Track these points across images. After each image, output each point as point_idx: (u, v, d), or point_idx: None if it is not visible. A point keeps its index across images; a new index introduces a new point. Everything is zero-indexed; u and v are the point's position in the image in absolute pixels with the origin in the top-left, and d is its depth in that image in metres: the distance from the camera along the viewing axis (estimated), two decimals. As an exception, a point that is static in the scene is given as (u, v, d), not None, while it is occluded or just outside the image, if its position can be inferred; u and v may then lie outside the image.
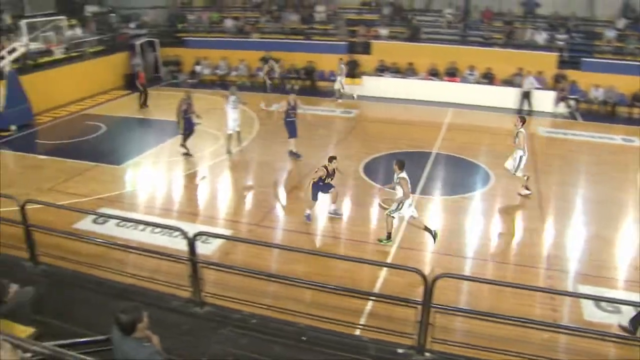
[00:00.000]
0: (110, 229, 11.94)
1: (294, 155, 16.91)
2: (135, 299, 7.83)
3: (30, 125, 20.90)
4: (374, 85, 24.70)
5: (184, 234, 7.74)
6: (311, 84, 26.26)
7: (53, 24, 21.82)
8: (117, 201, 13.78)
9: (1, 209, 11.00)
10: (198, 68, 27.98)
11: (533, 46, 24.26)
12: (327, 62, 26.08)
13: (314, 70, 26.28)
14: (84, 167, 16.51)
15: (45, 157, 17.38)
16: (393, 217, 11.28)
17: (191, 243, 7.60)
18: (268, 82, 24.60)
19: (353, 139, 18.90)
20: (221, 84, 26.72)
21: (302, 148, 17.21)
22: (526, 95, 22.47)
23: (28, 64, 23.21)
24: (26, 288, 7.01)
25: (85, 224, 12.16)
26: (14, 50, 20.80)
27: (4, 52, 20.86)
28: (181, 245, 10.28)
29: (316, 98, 24.10)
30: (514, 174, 14.03)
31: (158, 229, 11.78)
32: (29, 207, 9.00)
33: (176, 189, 15.18)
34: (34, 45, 21.04)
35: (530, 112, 22.08)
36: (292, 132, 16.86)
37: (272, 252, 10.89)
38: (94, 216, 12.09)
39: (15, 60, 21.47)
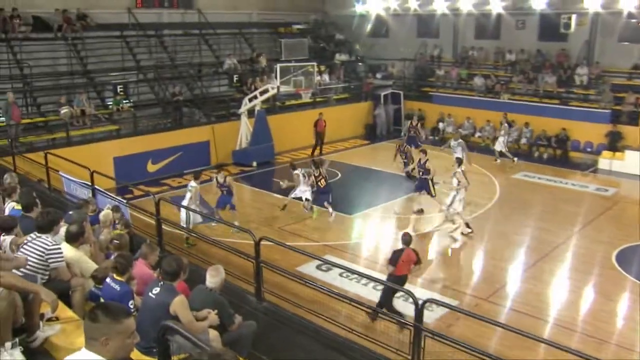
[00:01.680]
0: (333, 277, 12.43)
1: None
2: (350, 354, 7.95)
3: (270, 163, 22.87)
4: (639, 162, 22.70)
5: (413, 298, 7.75)
6: (563, 154, 25.00)
7: (304, 69, 23.41)
8: (342, 250, 14.34)
9: (237, 242, 12.09)
10: (441, 125, 28.34)
11: None
12: (584, 131, 24.71)
13: (567, 139, 24.98)
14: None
15: (279, 197, 18.74)
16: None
17: (419, 309, 7.58)
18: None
19: (607, 220, 17.50)
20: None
21: (545, 224, 16.41)
22: None
23: (276, 105, 25.68)
24: (249, 322, 7.46)
25: (309, 268, 12.82)
26: (265, 91, 22.97)
27: (257, 92, 23.18)
28: (401, 306, 10.45)
29: (567, 170, 23.05)
30: (447, 210, 15.40)
31: (380, 286, 11.88)
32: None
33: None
34: (284, 88, 22.81)
35: None
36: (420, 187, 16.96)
37: (497, 332, 10.43)
38: (318, 262, 12.64)
39: (265, 101, 23.74)
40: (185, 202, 14.36)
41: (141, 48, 25.07)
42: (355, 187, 20.37)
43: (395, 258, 10.50)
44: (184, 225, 13.92)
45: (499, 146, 23.94)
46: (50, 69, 22.31)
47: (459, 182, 15.36)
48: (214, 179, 15.74)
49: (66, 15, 23.29)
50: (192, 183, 14.68)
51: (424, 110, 29.57)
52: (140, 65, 24.43)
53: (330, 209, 16.77)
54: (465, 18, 30.06)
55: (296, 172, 16.94)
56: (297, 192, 16.89)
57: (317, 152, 24.62)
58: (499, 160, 23.79)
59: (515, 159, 23.58)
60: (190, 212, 14.02)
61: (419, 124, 23.91)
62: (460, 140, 20.32)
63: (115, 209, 10.97)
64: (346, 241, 15.00)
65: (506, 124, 24.12)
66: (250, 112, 23.30)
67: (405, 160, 20.38)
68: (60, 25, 22.98)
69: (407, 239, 10.69)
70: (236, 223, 15.23)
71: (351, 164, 23.60)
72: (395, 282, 10.27)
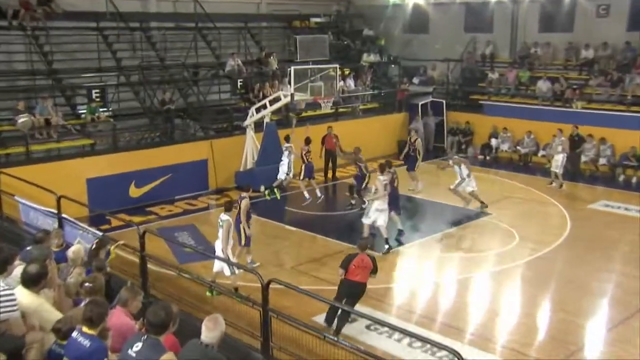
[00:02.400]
0: (359, 330, 12.33)
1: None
2: None
3: (282, 188, 22.32)
4: None
5: (459, 359, 7.63)
6: (659, 178, 24.51)
7: (324, 72, 23.06)
8: (370, 297, 13.87)
9: (240, 285, 12.18)
10: (494, 142, 28.21)
11: None
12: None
13: (665, 158, 24.45)
14: (335, 247, 17.51)
15: (293, 229, 18.88)
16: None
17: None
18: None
19: None
20: (523, 165, 26.78)
21: (636, 269, 15.98)
22: None
23: (290, 116, 25.45)
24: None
25: (329, 318, 12.66)
26: (277, 99, 22.88)
27: (266, 101, 23.13)
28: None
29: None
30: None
31: (418, 343, 11.88)
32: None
33: (445, 294, 15.37)
34: (299, 96, 22.36)
35: None
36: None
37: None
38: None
39: (275, 112, 23.71)
40: (219, 243, 14.21)
41: (122, 44, 25.18)
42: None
43: (346, 261, 12.19)
44: (229, 274, 13.88)
45: (558, 167, 23.75)
46: (5, 65, 22.37)
47: (376, 189, 17.41)
48: (241, 200, 15.39)
49: (24, -1, 23.13)
50: (223, 216, 14.32)
51: (473, 124, 29.61)
52: (122, 65, 24.39)
53: (306, 193, 20.91)
54: (527, 6, 30.11)
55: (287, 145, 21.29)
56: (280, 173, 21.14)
57: (330, 175, 25.02)
58: (564, 186, 23.70)
59: (563, 185, 23.53)
60: (230, 255, 14.18)
61: (418, 140, 23.87)
62: (457, 165, 20.51)
63: (102, 243, 10.90)
64: (375, 285, 14.43)
65: (562, 138, 23.96)
66: (258, 125, 23.38)
67: (360, 174, 20.93)
68: (17, 10, 22.80)
69: (362, 243, 12.66)
70: (249, 259, 15.61)
71: (382, 189, 23.37)
72: (348, 289, 12.14)
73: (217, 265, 14.23)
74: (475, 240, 18.54)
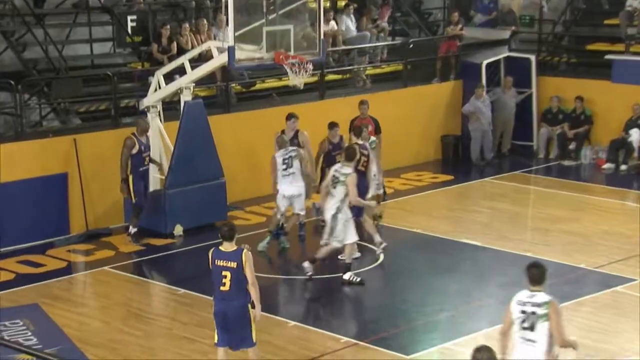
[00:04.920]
0: None
1: None
2: None
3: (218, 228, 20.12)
4: None
5: None
6: None
7: (297, 4, 20.92)
8: None
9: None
10: (636, 136, 26.09)
11: None
12: None
13: None
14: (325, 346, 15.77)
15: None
16: None
17: None
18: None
19: None
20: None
21: None
22: None
23: (230, 90, 24.13)
24: None
25: None
26: (204, 57, 21.61)
27: (183, 60, 21.06)
28: None
29: None
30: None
31: None
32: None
33: None
34: (247, 53, 20.24)
35: None
36: None
37: None
38: None
39: (203, 81, 22.33)
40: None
41: None
42: (417, 285, 18.49)
43: None
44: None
45: None
46: None
47: None
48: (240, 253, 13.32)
49: None
50: (344, 169, 16.75)
51: (592, 102, 27.35)
52: None
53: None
54: None
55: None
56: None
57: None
58: None
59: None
60: None
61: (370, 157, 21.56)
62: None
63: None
64: None
65: None
66: (168, 107, 21.91)
67: None
68: None
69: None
70: None
71: (411, 230, 22.08)
72: None
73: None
74: (601, 333, 15.82)
